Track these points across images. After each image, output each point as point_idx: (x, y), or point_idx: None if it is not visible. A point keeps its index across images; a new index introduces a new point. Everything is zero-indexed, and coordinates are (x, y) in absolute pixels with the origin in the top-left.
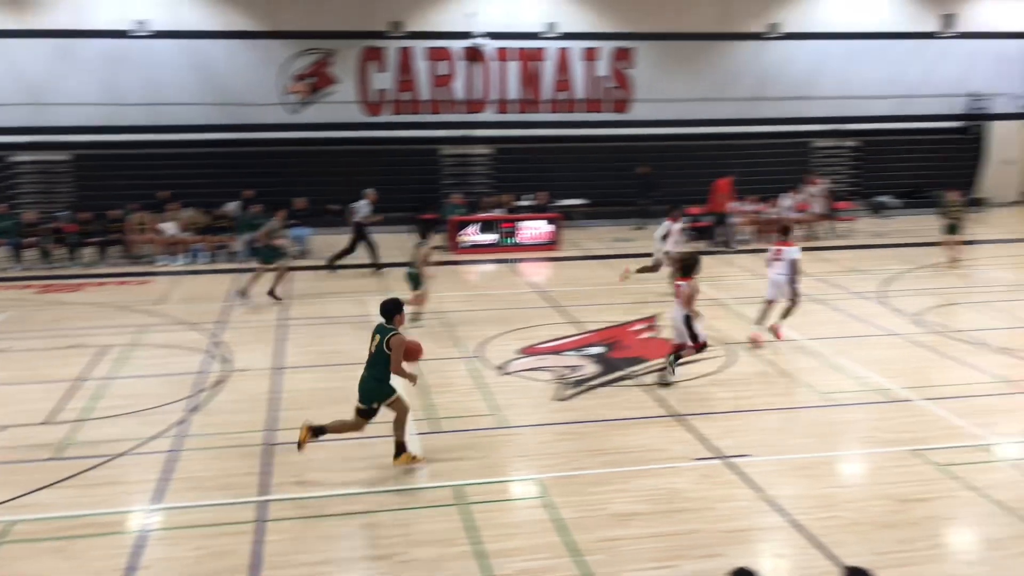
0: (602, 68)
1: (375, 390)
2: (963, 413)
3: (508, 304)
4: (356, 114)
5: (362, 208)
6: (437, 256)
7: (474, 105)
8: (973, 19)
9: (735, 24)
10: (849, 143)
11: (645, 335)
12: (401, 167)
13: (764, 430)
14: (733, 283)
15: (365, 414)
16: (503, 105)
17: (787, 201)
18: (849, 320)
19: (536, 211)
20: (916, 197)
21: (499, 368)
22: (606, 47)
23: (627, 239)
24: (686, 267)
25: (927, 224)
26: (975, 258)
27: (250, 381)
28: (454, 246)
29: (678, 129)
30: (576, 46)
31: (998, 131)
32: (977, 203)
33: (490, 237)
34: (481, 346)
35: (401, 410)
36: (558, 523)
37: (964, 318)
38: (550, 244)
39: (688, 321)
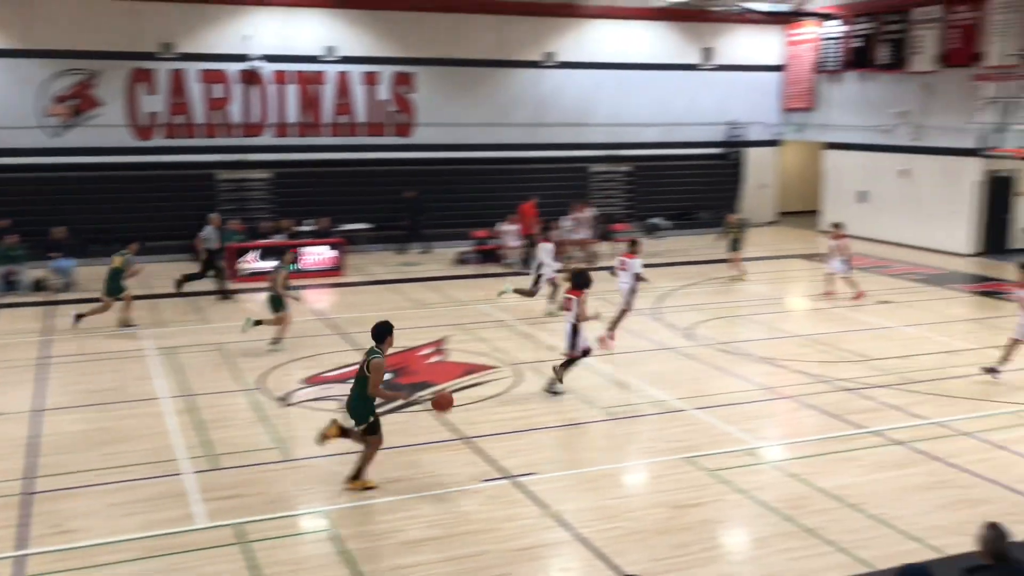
0: (383, 92)
1: (355, 407)
2: (731, 420)
3: (291, 332)
4: (125, 138)
5: (209, 234)
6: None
7: (252, 128)
8: (730, 53)
9: (512, 52)
10: (623, 168)
11: (433, 359)
12: (174, 192)
13: (549, 447)
14: (515, 304)
15: (370, 431)
16: (282, 128)
17: (567, 223)
18: (627, 336)
19: (318, 236)
20: (685, 218)
21: (282, 399)
22: (387, 71)
23: (414, 263)
24: (577, 281)
25: (696, 243)
26: (734, 275)
27: (5, 426)
28: (233, 274)
29: (461, 153)
30: (356, 70)
31: (754, 157)
32: (726, 226)
33: (271, 264)
34: (263, 377)
35: (371, 443)
36: (345, 555)
37: (730, 331)
38: (334, 270)
39: (574, 331)
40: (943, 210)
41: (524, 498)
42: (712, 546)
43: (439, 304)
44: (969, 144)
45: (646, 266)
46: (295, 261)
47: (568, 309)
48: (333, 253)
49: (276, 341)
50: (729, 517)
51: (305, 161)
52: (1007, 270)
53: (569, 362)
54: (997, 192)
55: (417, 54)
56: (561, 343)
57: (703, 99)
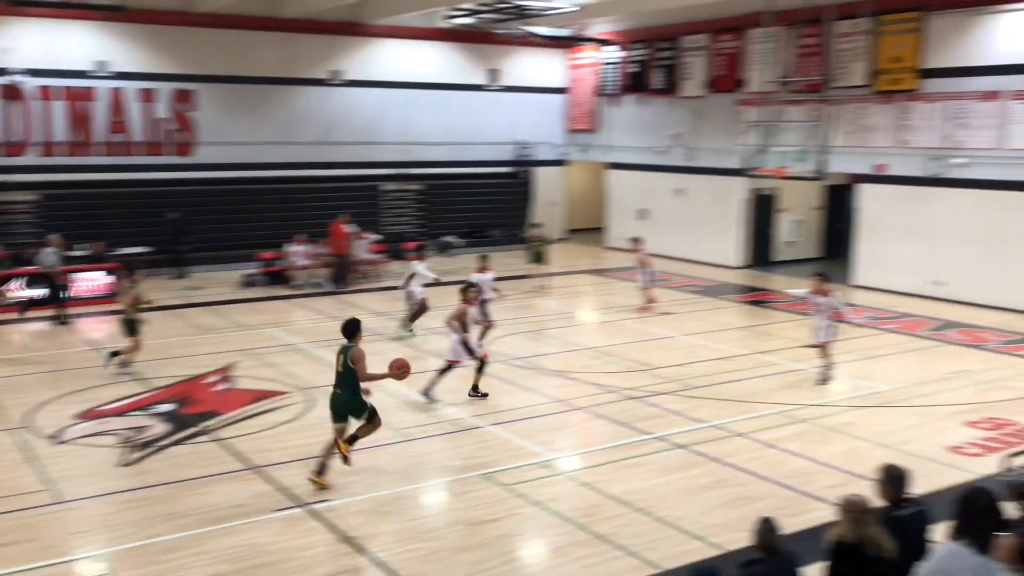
0: (161, 110)
1: (348, 403)
2: (526, 434)
3: (62, 365)
4: None
5: (48, 256)
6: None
7: (13, 147)
8: (516, 74)
9: (298, 70)
10: (414, 186)
11: (219, 387)
12: None
13: (344, 472)
14: (306, 326)
15: (370, 420)
16: (48, 148)
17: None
18: (422, 356)
19: (92, 262)
20: (478, 236)
21: (52, 437)
22: (165, 88)
23: (197, 287)
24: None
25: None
26: (529, 291)
27: None
28: None
29: (246, 172)
30: (131, 86)
31: (542, 176)
32: (527, 241)
33: (39, 292)
34: (30, 414)
35: (375, 425)
36: None
37: (524, 346)
38: (110, 296)
39: (464, 342)
40: (715, 226)
41: (320, 525)
42: (510, 560)
43: (224, 329)
44: (736, 164)
45: (440, 284)
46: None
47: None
48: (109, 279)
49: (125, 365)
50: (526, 530)
51: (76, 182)
52: (773, 280)
53: (446, 370)
54: (762, 209)
55: (198, 71)
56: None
57: (491, 119)
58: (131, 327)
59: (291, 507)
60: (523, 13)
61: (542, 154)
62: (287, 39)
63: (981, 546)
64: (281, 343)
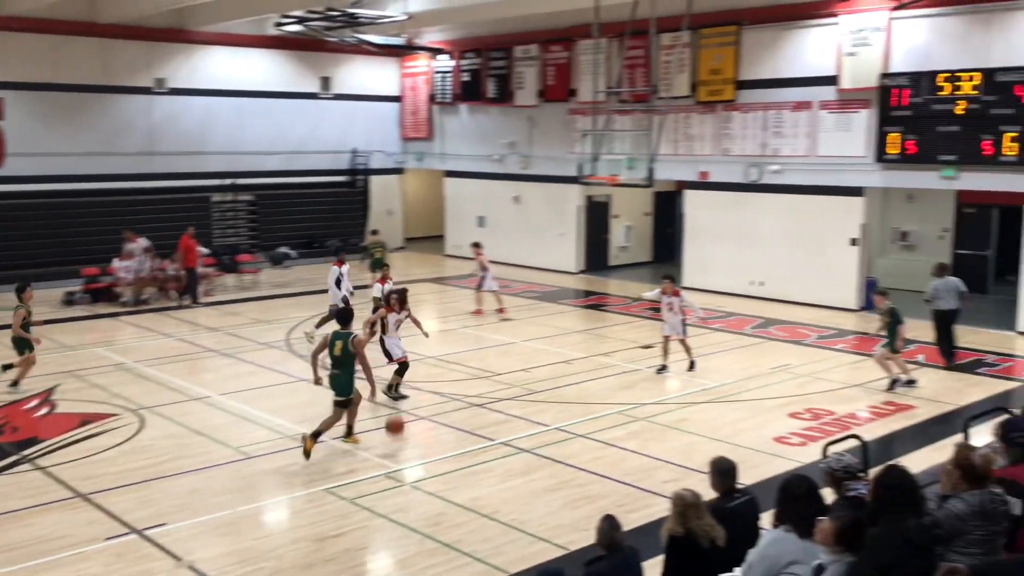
0: None
1: (348, 384)
2: (367, 446)
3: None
4: None
5: None
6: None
7: None
8: (349, 83)
9: (120, 78)
10: (246, 197)
11: (41, 412)
12: None
13: (180, 494)
14: (134, 344)
15: (343, 405)
16: None
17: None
18: (259, 371)
19: None
20: (313, 247)
21: None
22: None
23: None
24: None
25: (325, 271)
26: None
27: None
28: None
29: (64, 185)
30: None
31: (378, 185)
32: (366, 250)
33: None
34: None
35: (357, 402)
36: None
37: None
38: None
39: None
40: (552, 232)
41: (155, 552)
42: (357, 574)
43: (45, 351)
44: (570, 172)
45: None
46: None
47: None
48: None
49: (14, 384)
50: (372, 543)
51: None
52: (608, 285)
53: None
54: (597, 215)
55: (6, 77)
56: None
57: (324, 127)
58: (21, 346)
59: (123, 534)
60: (354, 21)
61: (377, 162)
62: (107, 45)
63: (803, 531)
64: (109, 363)
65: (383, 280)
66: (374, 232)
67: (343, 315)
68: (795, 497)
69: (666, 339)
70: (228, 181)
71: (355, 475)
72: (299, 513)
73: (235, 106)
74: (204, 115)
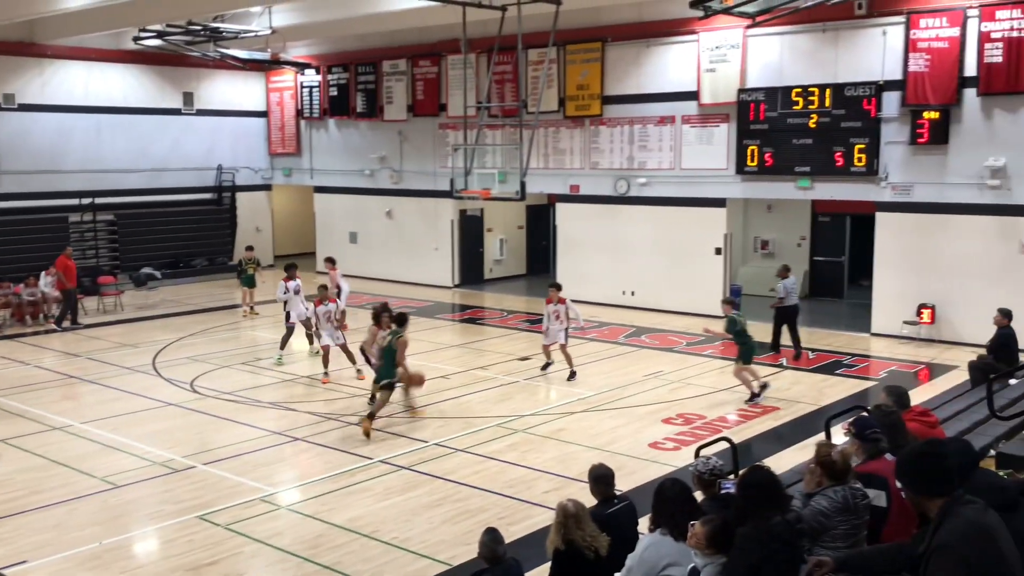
0: None
1: (386, 370)
2: (242, 470)
3: None
4: None
5: None
6: None
7: None
8: (213, 98)
9: None
10: (106, 216)
11: None
12: None
13: (42, 530)
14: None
15: (387, 388)
16: None
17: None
18: (125, 397)
19: None
20: (179, 267)
21: None
22: None
23: None
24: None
25: (193, 291)
26: (236, 322)
27: None
28: None
29: None
30: None
31: (246, 202)
32: (239, 267)
33: None
34: None
35: (385, 399)
36: None
37: (235, 379)
38: None
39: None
40: (426, 247)
41: None
42: None
43: None
44: (443, 186)
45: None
46: None
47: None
48: None
49: None
50: (248, 569)
51: None
52: (484, 298)
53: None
54: (470, 229)
55: None
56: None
57: (188, 144)
58: None
59: None
60: (216, 35)
61: (245, 179)
62: None
63: (678, 533)
64: None
65: (320, 302)
66: (249, 248)
67: (401, 318)
68: (669, 500)
69: (546, 348)
70: (87, 200)
71: (229, 500)
72: (171, 542)
73: (92, 122)
74: (58, 132)
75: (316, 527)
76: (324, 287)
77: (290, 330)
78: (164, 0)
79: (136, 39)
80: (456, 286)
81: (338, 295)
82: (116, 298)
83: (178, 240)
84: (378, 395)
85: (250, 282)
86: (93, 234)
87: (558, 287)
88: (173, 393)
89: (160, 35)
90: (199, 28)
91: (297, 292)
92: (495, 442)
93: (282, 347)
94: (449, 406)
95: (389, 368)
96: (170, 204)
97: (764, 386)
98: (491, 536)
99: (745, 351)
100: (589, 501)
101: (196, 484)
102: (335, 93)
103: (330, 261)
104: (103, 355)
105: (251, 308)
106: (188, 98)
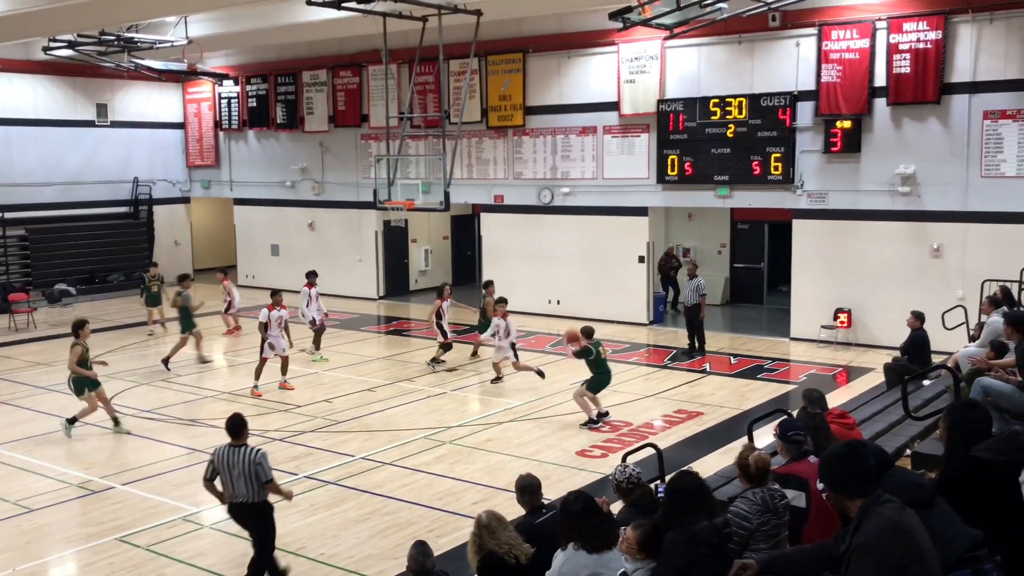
0: None
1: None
2: (161, 490)
3: None
4: None
5: None
6: None
7: None
8: (128, 109)
9: None
10: (17, 232)
11: None
12: None
13: None
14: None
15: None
16: None
17: None
18: (39, 417)
19: None
20: (95, 282)
21: None
22: None
23: None
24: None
25: (109, 307)
26: (155, 338)
27: None
28: None
29: None
30: None
31: (164, 215)
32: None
33: None
34: None
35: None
36: None
37: (152, 397)
38: None
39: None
40: (350, 259)
41: None
42: None
43: None
44: (366, 197)
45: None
46: None
47: None
48: None
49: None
50: None
51: None
52: (410, 309)
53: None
54: (395, 240)
55: None
56: None
57: (102, 156)
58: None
59: None
60: (130, 45)
61: (162, 191)
62: None
63: (591, 545)
64: None
65: (272, 307)
66: (153, 264)
67: (586, 331)
68: (574, 515)
69: (497, 365)
70: None
71: (150, 520)
72: (89, 566)
73: (1, 135)
74: None
75: (241, 546)
76: (277, 292)
77: (318, 331)
78: (75, 9)
79: (46, 49)
80: (381, 297)
81: (231, 303)
82: (28, 315)
83: (93, 255)
84: None
85: (155, 300)
86: (3, 250)
87: (504, 301)
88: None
89: (71, 45)
90: (112, 38)
91: (314, 299)
92: (423, 454)
93: (317, 347)
94: (375, 419)
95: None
96: (85, 218)
97: (603, 415)
98: (420, 550)
99: (595, 381)
100: (517, 512)
101: (115, 505)
102: (254, 104)
103: (222, 271)
104: (15, 375)
105: (162, 325)
106: (102, 109)
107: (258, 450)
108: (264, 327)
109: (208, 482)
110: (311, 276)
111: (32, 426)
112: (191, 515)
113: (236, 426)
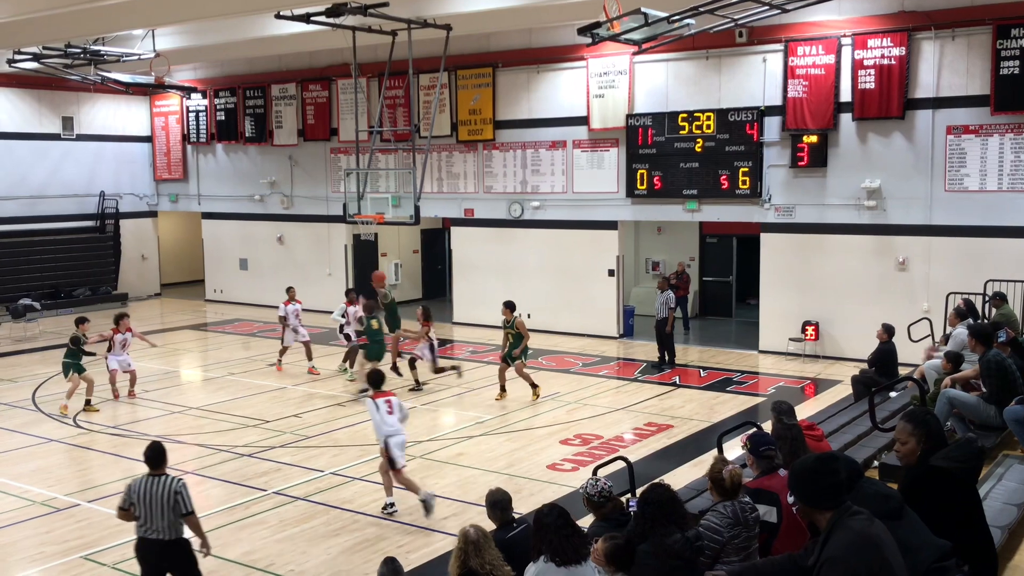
0: None
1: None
2: None
3: None
4: None
5: None
6: None
7: None
8: (94, 123)
9: None
10: None
11: None
12: None
13: None
14: None
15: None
16: None
17: None
18: (2, 434)
19: None
20: (60, 297)
21: None
22: None
23: None
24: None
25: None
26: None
27: None
28: None
29: None
30: None
31: (131, 229)
32: (122, 299)
33: None
34: None
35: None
36: None
37: (122, 413)
38: None
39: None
40: (320, 272)
41: None
42: None
43: None
44: (335, 211)
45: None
46: None
47: None
48: None
49: None
50: None
51: None
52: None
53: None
54: (365, 254)
55: None
56: None
57: (68, 170)
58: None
59: None
60: (96, 58)
61: (129, 205)
62: None
63: (562, 558)
64: None
65: (288, 302)
66: (81, 321)
67: (510, 303)
68: (546, 527)
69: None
70: None
71: (116, 538)
72: None
73: None
74: None
75: (209, 563)
76: (291, 288)
77: (353, 350)
78: (40, 21)
79: (11, 61)
80: None
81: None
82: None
83: (59, 270)
84: None
85: (80, 367)
86: None
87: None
88: (54, 429)
89: (36, 57)
90: (78, 51)
91: (350, 315)
92: None
93: (350, 364)
94: (344, 434)
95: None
96: (49, 232)
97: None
98: (390, 566)
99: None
100: (488, 527)
101: (80, 523)
102: (223, 117)
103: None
104: None
105: (87, 403)
106: (68, 123)
107: (178, 480)
108: (283, 319)
109: (123, 511)
110: (351, 295)
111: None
112: None
113: (156, 455)
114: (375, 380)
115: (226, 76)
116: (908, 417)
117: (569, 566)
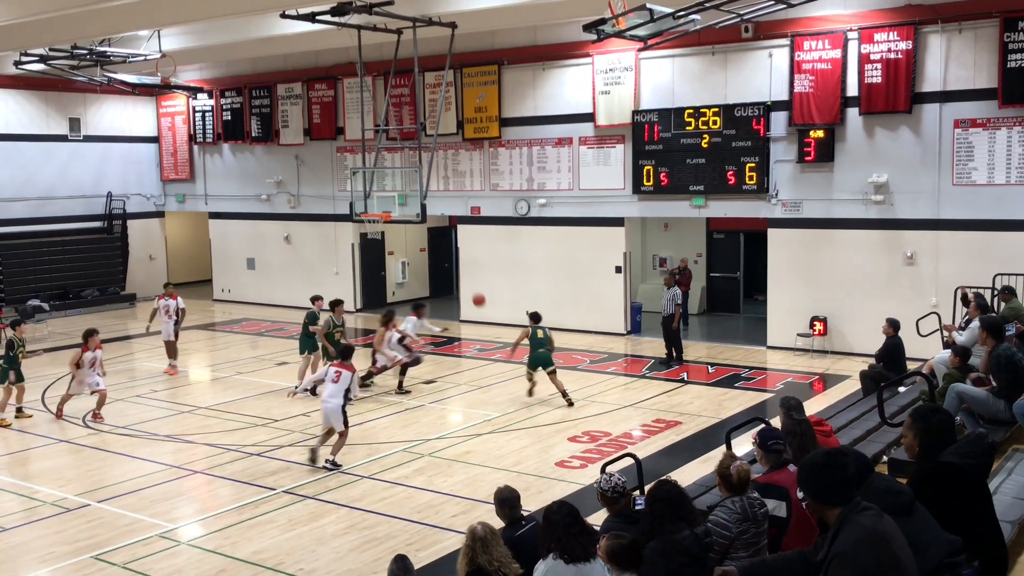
0: None
1: (549, 358)
2: (139, 507)
3: None
4: None
5: None
6: None
7: None
8: (101, 124)
9: None
10: None
11: None
12: None
13: None
14: None
15: (555, 372)
16: None
17: None
18: (11, 435)
19: None
20: (68, 298)
21: None
22: None
23: None
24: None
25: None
26: (130, 353)
27: None
28: None
29: None
30: None
31: (138, 229)
32: (130, 299)
33: None
34: None
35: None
36: None
37: (130, 413)
38: None
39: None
40: (327, 272)
41: None
42: None
43: None
44: (342, 210)
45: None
46: None
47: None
48: None
49: None
50: None
51: None
52: None
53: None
54: (372, 252)
55: None
56: None
57: (76, 171)
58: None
59: None
60: (103, 59)
61: (136, 206)
62: None
63: (571, 555)
64: None
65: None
66: (16, 324)
67: (536, 315)
68: (555, 524)
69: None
70: None
71: (126, 538)
72: None
73: None
74: None
75: (218, 562)
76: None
77: (382, 369)
78: (47, 23)
79: (18, 63)
80: (359, 310)
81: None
82: (0, 332)
83: (67, 270)
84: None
85: (21, 375)
86: None
87: (391, 314)
88: (64, 429)
89: (43, 59)
90: (85, 52)
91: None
92: (401, 467)
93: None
94: (353, 432)
95: (548, 355)
96: (58, 233)
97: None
98: (400, 564)
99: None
100: (496, 524)
101: (90, 523)
102: (229, 117)
103: (167, 286)
104: None
105: (19, 410)
106: (75, 124)
107: None
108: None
109: None
110: (390, 316)
111: (4, 444)
112: (167, 532)
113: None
114: (342, 352)
115: (232, 76)
116: (912, 412)
117: (578, 564)
